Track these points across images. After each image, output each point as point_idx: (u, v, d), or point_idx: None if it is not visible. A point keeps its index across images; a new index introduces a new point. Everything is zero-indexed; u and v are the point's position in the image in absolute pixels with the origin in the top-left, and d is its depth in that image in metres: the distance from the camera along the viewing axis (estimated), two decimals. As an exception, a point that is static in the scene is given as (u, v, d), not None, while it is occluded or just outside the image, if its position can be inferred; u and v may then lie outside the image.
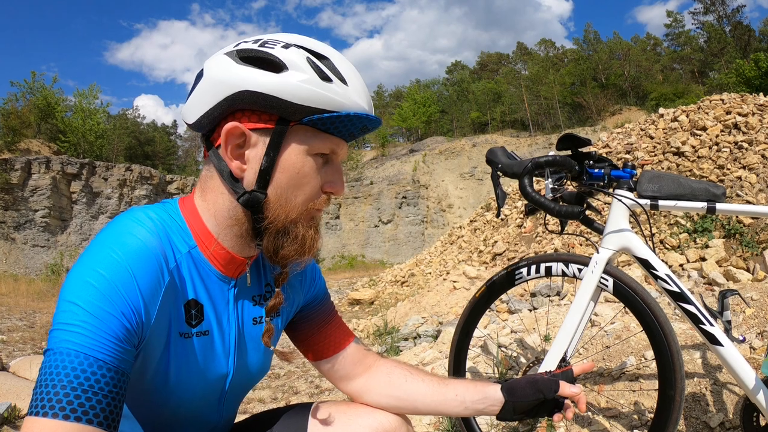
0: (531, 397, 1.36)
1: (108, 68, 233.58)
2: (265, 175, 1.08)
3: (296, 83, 1.04)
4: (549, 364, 2.02)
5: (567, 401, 1.39)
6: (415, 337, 5.69)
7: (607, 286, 2.03)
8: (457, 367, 2.50)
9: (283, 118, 1.06)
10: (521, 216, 9.42)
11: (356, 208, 57.01)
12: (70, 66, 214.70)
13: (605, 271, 2.03)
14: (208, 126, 1.13)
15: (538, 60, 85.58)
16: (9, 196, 43.89)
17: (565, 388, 1.38)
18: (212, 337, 1.17)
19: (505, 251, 8.91)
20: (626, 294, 1.98)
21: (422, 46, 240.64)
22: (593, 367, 1.50)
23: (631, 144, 8.30)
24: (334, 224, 55.94)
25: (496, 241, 9.54)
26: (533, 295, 5.13)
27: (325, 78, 1.07)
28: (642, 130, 8.75)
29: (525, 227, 8.93)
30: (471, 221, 13.32)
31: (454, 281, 7.73)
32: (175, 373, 1.11)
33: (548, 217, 2.92)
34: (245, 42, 1.12)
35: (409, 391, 1.41)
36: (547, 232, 7.93)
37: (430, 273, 12.11)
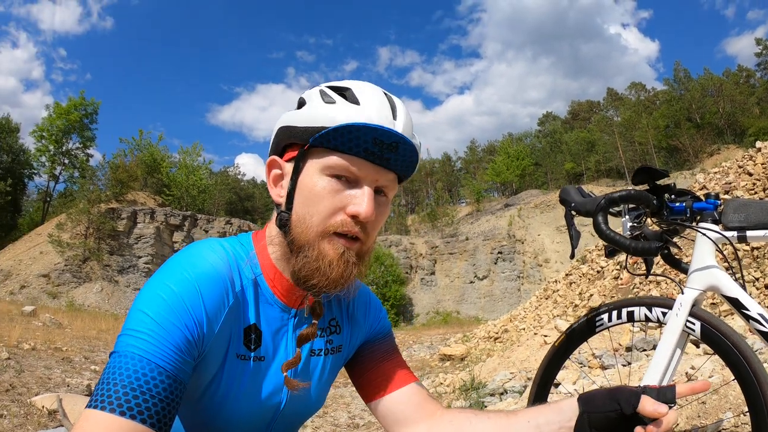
0: (607, 408, 1.11)
1: (210, 128, 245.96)
2: (291, 197, 1.16)
3: (302, 111, 1.16)
4: None
5: (650, 427, 1.07)
6: (502, 393, 5.47)
7: (693, 330, 1.80)
8: (534, 423, 2.32)
9: (302, 144, 1.15)
10: (618, 267, 9.00)
11: (451, 264, 56.66)
12: (175, 125, 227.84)
13: (691, 314, 1.81)
14: None
15: (630, 105, 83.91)
16: (115, 242, 47.30)
17: (647, 405, 1.06)
18: (268, 364, 1.21)
19: (601, 305, 8.48)
20: (715, 339, 1.76)
21: (512, 100, 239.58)
22: (707, 388, 1.19)
23: (730, 183, 7.83)
24: (430, 280, 55.73)
25: (591, 295, 9.16)
26: (629, 349, 4.80)
27: (330, 101, 1.14)
28: (740, 167, 8.25)
29: (622, 278, 8.51)
30: (566, 275, 12.91)
31: (545, 336, 7.43)
32: (225, 391, 1.17)
33: (634, 259, 2.71)
34: None
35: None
36: (630, 274, 7.50)
37: (523, 329, 11.74)
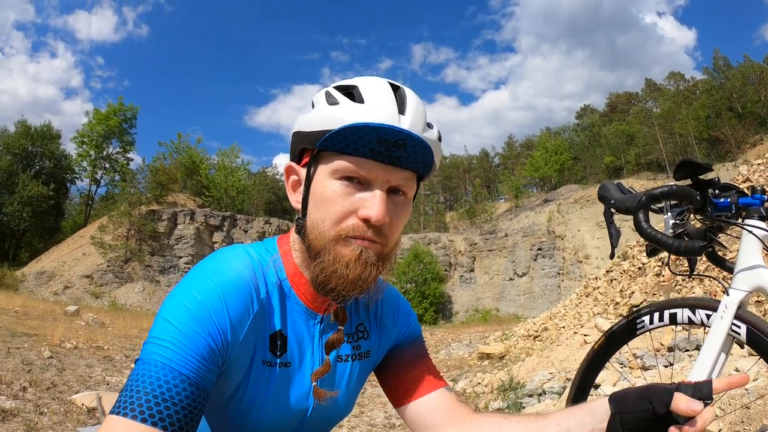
0: (639, 407, 1.02)
1: (248, 130, 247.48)
2: (305, 203, 1.15)
3: (309, 114, 1.15)
4: None
5: (685, 427, 0.97)
6: (540, 394, 5.37)
7: (739, 333, 1.69)
8: (571, 428, 2.23)
9: (312, 149, 1.13)
10: (660, 264, 8.78)
11: (491, 261, 56.31)
12: (213, 128, 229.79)
13: (737, 316, 1.70)
14: None
15: (669, 95, 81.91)
16: (156, 243, 48.43)
17: (681, 403, 0.97)
18: (294, 370, 1.21)
19: (642, 303, 8.29)
20: (762, 343, 1.64)
21: (549, 94, 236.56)
22: (746, 382, 1.08)
23: (775, 174, 7.55)
24: (469, 277, 55.48)
25: (633, 292, 8.94)
26: (671, 349, 4.64)
27: (333, 103, 1.12)
28: (785, 157, 7.95)
29: (664, 276, 8.29)
30: (607, 272, 12.68)
31: (585, 335, 7.28)
32: (252, 398, 1.16)
33: (676, 257, 2.59)
34: None
35: None
36: (673, 274, 7.31)
37: (563, 327, 11.56)
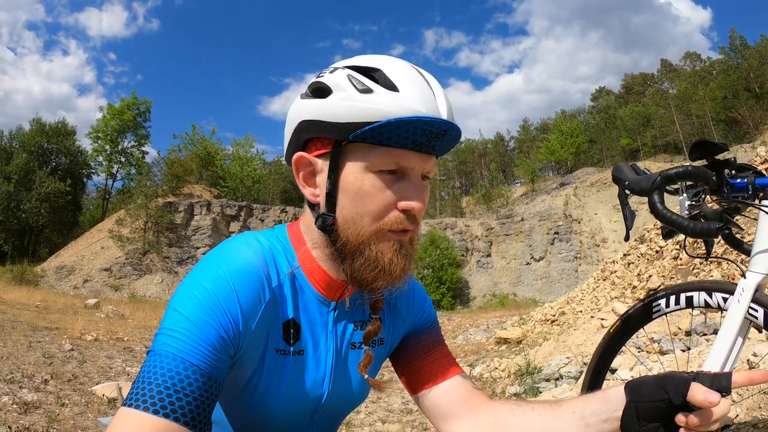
0: (654, 396, 0.98)
1: (262, 119, 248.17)
2: (331, 198, 1.09)
3: (335, 103, 1.04)
4: None
5: (691, 416, 0.94)
6: (557, 378, 5.35)
7: (756, 318, 1.66)
8: (587, 413, 2.20)
9: (337, 140, 1.07)
10: (677, 247, 8.69)
11: (507, 246, 56.15)
12: (227, 119, 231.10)
13: (754, 300, 1.66)
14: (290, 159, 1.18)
15: (685, 76, 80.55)
16: (173, 235, 48.88)
17: (697, 394, 0.93)
18: (307, 358, 1.20)
19: (660, 286, 8.21)
20: (781, 327, 1.62)
21: (563, 76, 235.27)
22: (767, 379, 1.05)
23: (793, 155, 7.43)
24: (486, 262, 55.37)
25: (650, 276, 8.86)
26: (688, 333, 4.58)
27: (365, 90, 1.03)
28: (804, 138, 7.81)
29: (681, 259, 8.21)
30: (624, 255, 12.57)
31: (602, 319, 7.23)
32: (266, 386, 1.15)
33: (693, 239, 2.54)
34: (312, 79, 1.15)
35: (519, 426, 1.19)
36: (689, 257, 7.22)
37: (581, 311, 11.50)
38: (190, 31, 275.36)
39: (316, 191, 1.13)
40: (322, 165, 1.10)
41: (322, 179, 1.11)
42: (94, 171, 73.64)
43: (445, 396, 1.28)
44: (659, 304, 2.03)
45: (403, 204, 1.07)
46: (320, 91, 1.08)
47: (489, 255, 56.08)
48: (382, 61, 1.09)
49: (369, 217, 1.07)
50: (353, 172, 1.06)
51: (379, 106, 1.01)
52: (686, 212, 1.68)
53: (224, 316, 1.01)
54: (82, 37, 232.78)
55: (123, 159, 70.53)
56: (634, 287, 9.32)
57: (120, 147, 69.44)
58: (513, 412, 1.22)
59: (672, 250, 8.94)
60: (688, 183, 1.72)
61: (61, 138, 68.78)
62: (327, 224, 1.11)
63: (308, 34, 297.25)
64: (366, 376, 1.24)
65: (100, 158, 70.12)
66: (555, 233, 54.93)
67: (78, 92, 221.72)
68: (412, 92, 1.03)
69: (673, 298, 1.98)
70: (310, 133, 1.10)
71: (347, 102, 1.03)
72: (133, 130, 68.80)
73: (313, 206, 1.15)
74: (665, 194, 1.70)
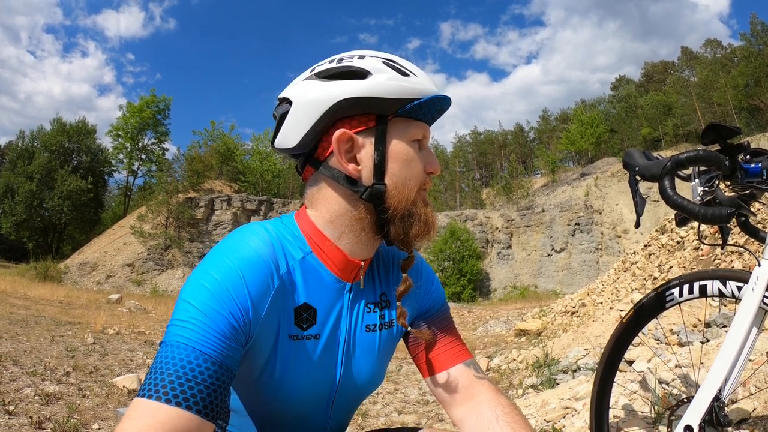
0: None
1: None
2: (380, 168, 1.20)
3: (384, 82, 1.18)
4: (699, 405, 1.65)
5: None
6: (575, 370, 5.30)
7: (771, 307, 1.62)
8: (600, 402, 2.18)
9: (380, 116, 1.20)
10: (697, 237, 8.56)
11: (528, 237, 55.73)
12: (246, 115, 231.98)
13: (769, 289, 1.63)
14: (313, 142, 1.23)
15: (706, 63, 78.83)
16: (194, 230, 49.25)
17: None
18: (323, 341, 1.23)
19: (672, 278, 8.07)
20: (796, 316, 1.57)
21: (581, 67, 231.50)
22: None
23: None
24: (506, 254, 55.04)
25: (671, 267, 8.74)
26: (707, 325, 4.50)
27: (404, 73, 1.21)
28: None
29: (702, 250, 8.09)
30: (645, 246, 12.38)
31: (621, 310, 7.15)
32: (281, 372, 1.19)
33: (712, 228, 2.48)
34: (319, 66, 1.25)
35: None
36: (705, 245, 7.09)
37: (601, 303, 11.38)
38: (206, 30, 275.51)
39: (357, 166, 1.20)
40: (363, 140, 1.20)
41: (367, 152, 1.20)
42: (115, 168, 74.30)
43: (446, 383, 1.36)
44: (672, 293, 2.01)
45: (429, 167, 1.27)
46: (354, 74, 1.19)
47: (509, 247, 55.72)
48: (391, 56, 1.27)
49: (414, 180, 1.23)
50: (400, 143, 1.22)
51: (417, 86, 1.21)
52: (698, 198, 1.64)
53: (234, 305, 1.05)
54: (100, 39, 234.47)
55: (143, 156, 70.98)
56: (655, 278, 9.21)
57: (140, 144, 69.87)
58: (489, 424, 1.27)
59: (693, 240, 8.81)
60: (701, 168, 1.68)
61: (81, 137, 69.46)
62: (378, 193, 1.19)
63: (324, 29, 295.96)
64: (408, 328, 1.38)
65: (121, 156, 70.63)
66: (576, 224, 54.44)
67: (98, 92, 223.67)
68: (424, 77, 1.25)
69: (686, 287, 1.95)
70: (353, 111, 1.19)
71: (394, 82, 1.18)
72: (153, 127, 69.18)
73: (352, 182, 1.20)
74: (679, 180, 1.67)
